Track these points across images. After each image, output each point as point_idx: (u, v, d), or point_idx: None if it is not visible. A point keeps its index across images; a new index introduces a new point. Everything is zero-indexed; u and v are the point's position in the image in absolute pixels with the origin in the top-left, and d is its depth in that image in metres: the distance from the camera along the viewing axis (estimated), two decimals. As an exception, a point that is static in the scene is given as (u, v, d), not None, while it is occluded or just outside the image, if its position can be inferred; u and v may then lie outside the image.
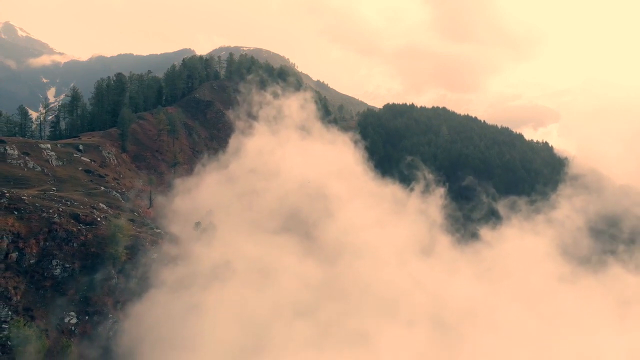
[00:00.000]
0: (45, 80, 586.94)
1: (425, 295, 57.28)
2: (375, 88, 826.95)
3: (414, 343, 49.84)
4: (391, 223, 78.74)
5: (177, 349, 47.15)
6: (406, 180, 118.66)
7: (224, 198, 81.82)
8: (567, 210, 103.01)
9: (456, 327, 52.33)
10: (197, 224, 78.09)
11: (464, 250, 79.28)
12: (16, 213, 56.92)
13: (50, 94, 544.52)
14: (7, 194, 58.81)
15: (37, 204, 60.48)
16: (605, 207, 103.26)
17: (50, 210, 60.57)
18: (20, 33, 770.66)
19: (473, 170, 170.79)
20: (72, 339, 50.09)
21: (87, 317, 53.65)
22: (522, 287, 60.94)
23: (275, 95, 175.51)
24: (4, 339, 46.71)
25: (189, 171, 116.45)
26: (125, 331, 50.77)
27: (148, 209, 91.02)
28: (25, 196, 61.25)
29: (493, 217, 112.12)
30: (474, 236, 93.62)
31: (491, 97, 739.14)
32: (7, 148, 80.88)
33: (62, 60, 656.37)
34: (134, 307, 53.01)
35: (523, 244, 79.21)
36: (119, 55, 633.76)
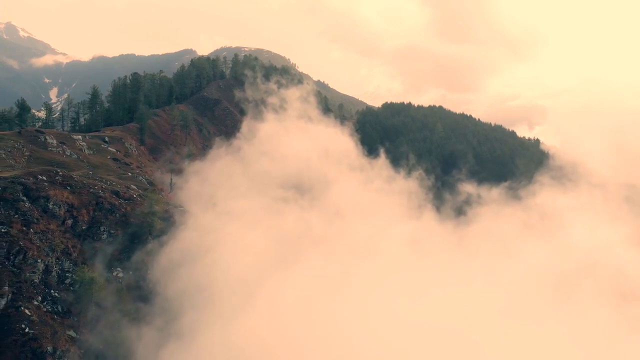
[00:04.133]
0: (47, 81, 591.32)
1: (405, 244, 70.57)
2: (376, 88, 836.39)
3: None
4: (381, 200, 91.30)
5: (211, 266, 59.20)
6: (396, 165, 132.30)
7: (234, 177, 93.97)
8: (543, 198, 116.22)
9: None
10: (214, 204, 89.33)
11: (445, 225, 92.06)
12: (69, 188, 68.05)
13: (53, 94, 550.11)
14: (61, 173, 69.97)
15: (84, 182, 71.69)
16: (577, 197, 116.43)
17: (96, 187, 71.87)
18: (22, 33, 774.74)
19: (464, 163, 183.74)
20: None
21: (130, 272, 64.92)
22: (485, 250, 73.77)
23: (280, 85, 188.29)
24: (68, 284, 57.88)
25: (201, 161, 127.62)
26: (161, 260, 62.92)
27: (169, 193, 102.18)
28: (75, 175, 72.44)
29: (476, 200, 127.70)
30: (455, 214, 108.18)
31: (491, 97, 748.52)
32: (47, 138, 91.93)
33: (64, 60, 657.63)
34: (167, 244, 65.25)
35: (498, 224, 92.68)
36: (121, 56, 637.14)
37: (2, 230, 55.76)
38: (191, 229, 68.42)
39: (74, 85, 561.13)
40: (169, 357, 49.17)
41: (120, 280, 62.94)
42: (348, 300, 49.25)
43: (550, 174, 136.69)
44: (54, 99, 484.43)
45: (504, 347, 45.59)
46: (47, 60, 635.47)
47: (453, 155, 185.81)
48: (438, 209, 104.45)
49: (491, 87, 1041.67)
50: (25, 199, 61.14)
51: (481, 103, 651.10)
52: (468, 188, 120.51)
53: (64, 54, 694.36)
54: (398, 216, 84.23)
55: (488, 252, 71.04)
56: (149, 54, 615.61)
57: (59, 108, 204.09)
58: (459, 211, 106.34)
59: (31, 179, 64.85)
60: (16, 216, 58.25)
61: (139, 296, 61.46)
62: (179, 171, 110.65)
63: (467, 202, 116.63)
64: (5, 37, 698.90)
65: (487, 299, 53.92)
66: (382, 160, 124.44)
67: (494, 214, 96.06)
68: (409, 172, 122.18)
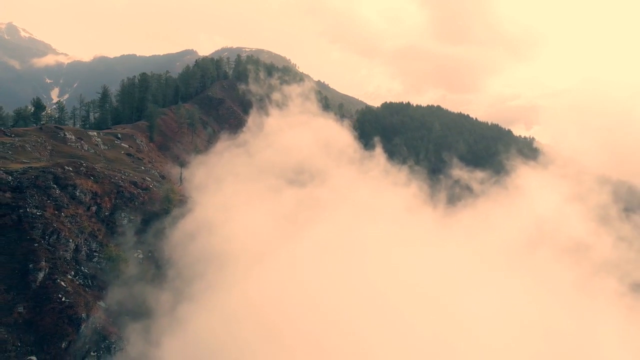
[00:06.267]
0: (48, 81, 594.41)
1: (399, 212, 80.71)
2: (376, 88, 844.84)
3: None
4: (378, 187, 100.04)
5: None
6: (392, 160, 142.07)
7: (241, 167, 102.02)
8: (521, 181, 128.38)
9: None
10: (222, 189, 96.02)
11: (435, 200, 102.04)
12: (92, 178, 74.57)
13: (54, 94, 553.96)
14: (84, 164, 76.51)
15: (105, 173, 78.26)
16: (549, 181, 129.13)
17: (116, 178, 78.46)
18: (23, 34, 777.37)
19: (457, 152, 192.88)
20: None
21: (149, 254, 71.51)
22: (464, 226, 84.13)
23: (282, 81, 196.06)
24: (96, 262, 64.46)
25: (208, 155, 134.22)
26: (176, 237, 70.56)
27: (179, 186, 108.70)
28: (97, 166, 79.00)
29: (464, 182, 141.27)
30: (446, 195, 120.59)
31: (491, 97, 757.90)
32: (65, 133, 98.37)
33: (65, 60, 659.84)
34: (180, 223, 73.01)
35: (480, 201, 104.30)
36: (122, 56, 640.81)
37: (38, 213, 62.28)
38: (202, 209, 76.06)
39: (75, 85, 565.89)
40: (182, 314, 56.90)
41: (141, 260, 69.59)
42: (346, 262, 57.01)
43: (533, 164, 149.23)
44: (55, 99, 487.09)
45: (473, 291, 53.70)
46: (49, 60, 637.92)
47: (449, 151, 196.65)
48: (431, 190, 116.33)
49: (491, 88, 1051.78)
50: (55, 186, 67.66)
51: (481, 103, 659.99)
52: (458, 172, 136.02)
53: (65, 54, 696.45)
54: (394, 196, 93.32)
55: (470, 221, 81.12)
56: (150, 54, 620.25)
57: (59, 110, 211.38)
58: (449, 192, 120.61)
59: (59, 169, 71.34)
60: (49, 201, 64.81)
61: (157, 267, 68.67)
62: (187, 165, 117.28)
63: (457, 184, 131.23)
64: (6, 37, 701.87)
65: (465, 252, 63.20)
66: (379, 154, 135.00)
67: (479, 193, 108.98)
68: (403, 162, 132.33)
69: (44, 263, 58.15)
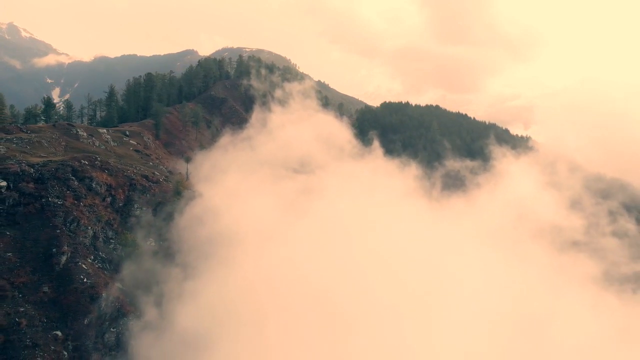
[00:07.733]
0: (49, 81, 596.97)
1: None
2: (376, 88, 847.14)
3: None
4: (375, 178, 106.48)
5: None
6: (390, 156, 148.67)
7: (244, 161, 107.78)
8: (507, 172, 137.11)
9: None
10: (227, 181, 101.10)
11: (430, 194, 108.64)
12: (107, 171, 79.56)
13: (55, 94, 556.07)
14: (99, 159, 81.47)
15: (118, 167, 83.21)
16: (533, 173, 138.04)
17: (128, 171, 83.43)
18: (23, 34, 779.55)
19: (454, 153, 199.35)
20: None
21: (160, 242, 76.49)
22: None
23: (284, 79, 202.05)
24: (112, 249, 69.42)
25: (212, 151, 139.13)
26: (184, 224, 76.25)
27: (186, 181, 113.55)
28: (110, 161, 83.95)
29: (457, 172, 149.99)
30: (441, 183, 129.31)
31: (491, 97, 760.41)
32: (78, 130, 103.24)
33: (66, 60, 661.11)
34: (188, 212, 78.45)
35: (469, 189, 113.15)
36: (123, 56, 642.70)
37: (59, 202, 67.26)
38: (209, 197, 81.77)
39: (76, 85, 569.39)
40: (190, 288, 63.79)
41: (153, 244, 74.81)
42: (340, 242, 62.71)
43: (525, 159, 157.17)
44: (56, 98, 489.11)
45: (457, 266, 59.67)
46: (49, 60, 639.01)
47: (444, 147, 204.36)
48: (426, 179, 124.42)
49: (491, 88, 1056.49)
50: (73, 178, 72.65)
51: (481, 103, 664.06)
52: (452, 164, 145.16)
53: (66, 54, 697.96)
54: (390, 184, 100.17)
55: (460, 206, 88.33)
56: (151, 55, 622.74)
57: (61, 108, 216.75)
58: (443, 181, 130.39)
59: (76, 162, 76.32)
60: (68, 192, 69.79)
61: (168, 249, 74.44)
62: (192, 161, 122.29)
63: (451, 173, 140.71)
64: (7, 37, 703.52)
65: (453, 230, 69.58)
66: (377, 147, 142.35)
67: (471, 183, 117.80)
68: (399, 157, 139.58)
69: (66, 247, 63.10)
